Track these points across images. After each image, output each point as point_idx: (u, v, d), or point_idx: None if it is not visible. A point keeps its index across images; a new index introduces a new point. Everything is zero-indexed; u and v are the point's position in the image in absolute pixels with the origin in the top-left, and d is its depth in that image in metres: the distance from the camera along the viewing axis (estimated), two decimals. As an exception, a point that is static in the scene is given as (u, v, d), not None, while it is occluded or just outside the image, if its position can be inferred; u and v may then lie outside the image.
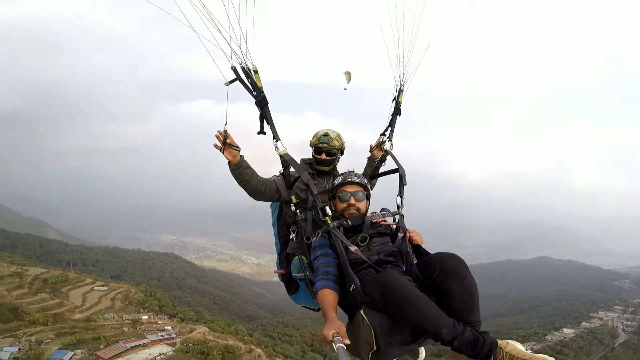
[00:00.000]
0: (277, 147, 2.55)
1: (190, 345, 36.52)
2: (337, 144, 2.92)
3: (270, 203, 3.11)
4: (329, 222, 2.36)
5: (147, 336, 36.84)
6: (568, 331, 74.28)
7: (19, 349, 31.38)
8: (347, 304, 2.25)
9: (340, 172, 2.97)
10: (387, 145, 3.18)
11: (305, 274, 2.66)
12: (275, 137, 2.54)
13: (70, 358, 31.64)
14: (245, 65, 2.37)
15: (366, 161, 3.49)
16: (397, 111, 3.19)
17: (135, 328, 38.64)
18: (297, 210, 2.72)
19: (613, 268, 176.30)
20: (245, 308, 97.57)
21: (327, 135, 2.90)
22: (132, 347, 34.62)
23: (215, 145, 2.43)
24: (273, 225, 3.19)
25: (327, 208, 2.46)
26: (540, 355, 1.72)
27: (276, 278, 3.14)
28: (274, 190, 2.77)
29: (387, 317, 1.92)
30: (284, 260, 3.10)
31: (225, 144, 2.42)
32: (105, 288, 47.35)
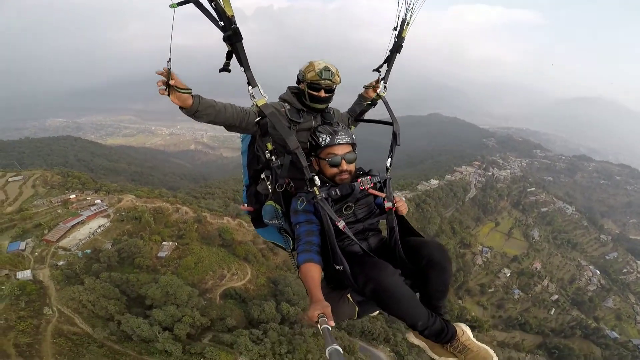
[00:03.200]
0: (252, 96, 2.09)
1: (123, 213, 44.52)
2: (338, 79, 2.50)
3: None
4: (317, 193, 2.14)
5: (81, 213, 42.69)
6: (434, 182, 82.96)
7: None
8: (330, 273, 2.30)
9: (327, 112, 2.67)
10: (380, 89, 2.86)
11: (279, 222, 2.53)
12: (251, 83, 2.03)
13: (25, 247, 36.50)
14: None
15: (357, 97, 3.10)
16: (397, 48, 2.68)
17: (68, 208, 43.97)
18: (273, 157, 2.35)
19: (488, 128, 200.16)
20: (167, 180, 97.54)
21: (329, 70, 2.43)
22: (72, 226, 40.24)
23: (160, 91, 1.81)
24: (242, 153, 2.82)
25: (316, 178, 2.17)
26: (484, 346, 2.17)
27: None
28: (252, 124, 2.32)
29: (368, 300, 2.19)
30: (252, 196, 2.86)
31: (170, 86, 1.80)
32: (20, 177, 48.79)
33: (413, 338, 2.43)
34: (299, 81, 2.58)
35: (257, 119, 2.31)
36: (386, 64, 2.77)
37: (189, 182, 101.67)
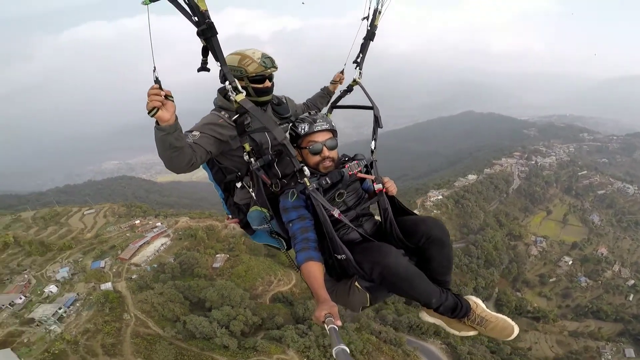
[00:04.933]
0: (231, 92, 1.95)
1: (180, 232, 50.55)
2: (277, 66, 2.39)
3: None
4: (308, 183, 2.10)
5: (146, 235, 49.36)
6: (472, 177, 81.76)
7: (69, 268, 42.13)
8: (330, 263, 2.28)
9: (277, 99, 2.65)
10: (355, 75, 2.90)
11: (269, 226, 2.47)
12: (229, 78, 1.92)
13: (104, 264, 43.15)
14: None
15: (320, 90, 3.20)
16: (370, 35, 2.77)
17: (135, 232, 50.75)
18: (252, 159, 2.27)
19: (528, 119, 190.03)
20: (214, 208, 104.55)
21: (269, 57, 2.34)
22: (140, 246, 46.69)
23: (151, 104, 1.69)
24: (205, 168, 2.60)
25: (306, 168, 2.12)
26: (501, 315, 2.21)
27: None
28: (204, 154, 2.20)
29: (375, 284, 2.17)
30: (233, 208, 2.74)
31: (165, 97, 1.71)
32: (92, 211, 57.07)
33: (427, 317, 2.44)
34: (237, 79, 2.27)
35: (235, 116, 2.14)
36: (360, 52, 2.85)
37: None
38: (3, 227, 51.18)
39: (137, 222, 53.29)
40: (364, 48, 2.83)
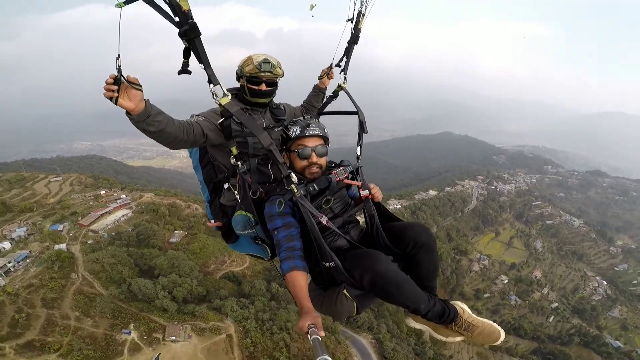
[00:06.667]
0: (215, 95, 1.97)
1: (143, 206, 53.16)
2: (280, 72, 2.45)
3: None
4: (295, 191, 2.12)
5: (109, 205, 51.98)
6: (432, 192, 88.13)
7: (26, 228, 44.18)
8: (317, 271, 2.27)
9: (275, 104, 2.73)
10: (340, 80, 2.92)
11: (253, 231, 2.46)
12: (213, 81, 1.93)
13: (63, 228, 45.41)
14: None
15: (312, 89, 3.14)
16: (354, 39, 2.81)
17: (98, 201, 53.14)
18: (239, 162, 2.35)
19: (501, 145, 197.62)
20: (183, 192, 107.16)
21: (269, 62, 2.37)
22: (101, 215, 48.94)
23: (107, 92, 1.62)
24: (195, 168, 2.77)
25: (293, 175, 2.15)
26: (488, 321, 2.26)
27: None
28: (199, 135, 2.20)
29: (364, 292, 2.14)
30: (217, 210, 2.78)
31: (121, 83, 1.62)
32: (59, 178, 59.02)
33: (414, 323, 2.44)
34: (238, 77, 2.51)
35: (220, 120, 2.20)
36: (345, 56, 2.86)
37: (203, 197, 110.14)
38: (-35, 185, 52.12)
39: (103, 192, 55.39)
40: (348, 52, 2.85)
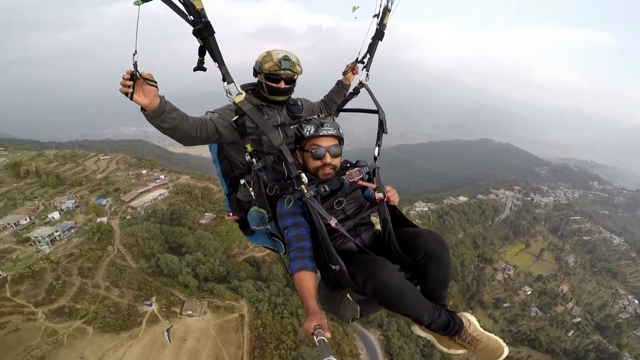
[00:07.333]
0: (229, 93, 1.97)
1: (179, 187, 57.49)
2: (299, 69, 2.42)
3: None
4: (305, 191, 2.09)
5: (149, 184, 56.74)
6: (463, 199, 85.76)
7: (75, 201, 49.41)
8: (326, 271, 2.28)
9: (293, 100, 2.68)
10: (362, 77, 2.87)
11: (267, 227, 2.48)
12: (227, 79, 1.93)
13: (106, 203, 50.51)
14: None
15: (335, 84, 3.11)
16: (379, 35, 2.75)
17: (140, 180, 58.23)
18: (254, 159, 2.34)
19: (545, 157, 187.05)
20: (216, 179, 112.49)
21: (289, 60, 2.34)
22: (141, 193, 53.88)
23: (123, 87, 1.68)
24: (214, 162, 2.86)
25: (303, 175, 2.12)
26: (493, 335, 2.15)
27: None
28: (213, 132, 2.25)
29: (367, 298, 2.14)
30: (235, 204, 2.81)
31: (136, 79, 1.67)
32: (107, 157, 65.47)
33: (419, 331, 2.37)
34: (255, 73, 2.47)
35: (235, 117, 2.21)
36: (368, 53, 2.82)
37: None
38: (29, 158, 59.26)
39: (144, 172, 60.38)
40: (372, 48, 2.81)
